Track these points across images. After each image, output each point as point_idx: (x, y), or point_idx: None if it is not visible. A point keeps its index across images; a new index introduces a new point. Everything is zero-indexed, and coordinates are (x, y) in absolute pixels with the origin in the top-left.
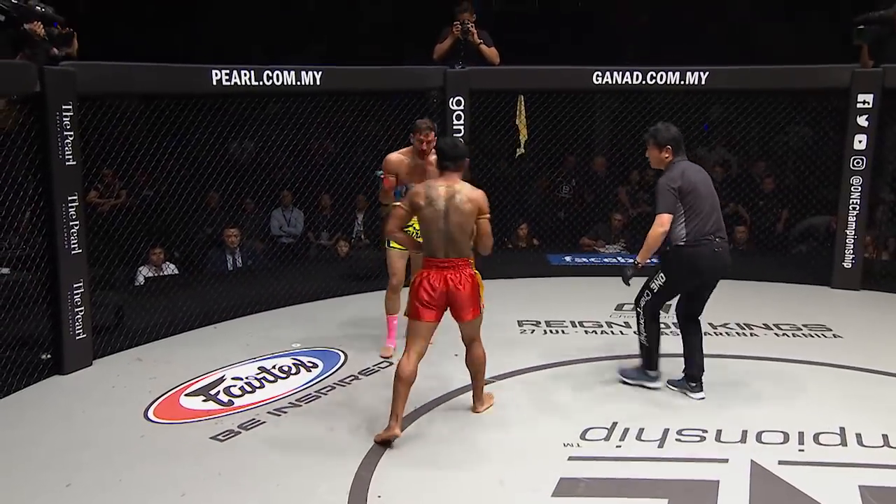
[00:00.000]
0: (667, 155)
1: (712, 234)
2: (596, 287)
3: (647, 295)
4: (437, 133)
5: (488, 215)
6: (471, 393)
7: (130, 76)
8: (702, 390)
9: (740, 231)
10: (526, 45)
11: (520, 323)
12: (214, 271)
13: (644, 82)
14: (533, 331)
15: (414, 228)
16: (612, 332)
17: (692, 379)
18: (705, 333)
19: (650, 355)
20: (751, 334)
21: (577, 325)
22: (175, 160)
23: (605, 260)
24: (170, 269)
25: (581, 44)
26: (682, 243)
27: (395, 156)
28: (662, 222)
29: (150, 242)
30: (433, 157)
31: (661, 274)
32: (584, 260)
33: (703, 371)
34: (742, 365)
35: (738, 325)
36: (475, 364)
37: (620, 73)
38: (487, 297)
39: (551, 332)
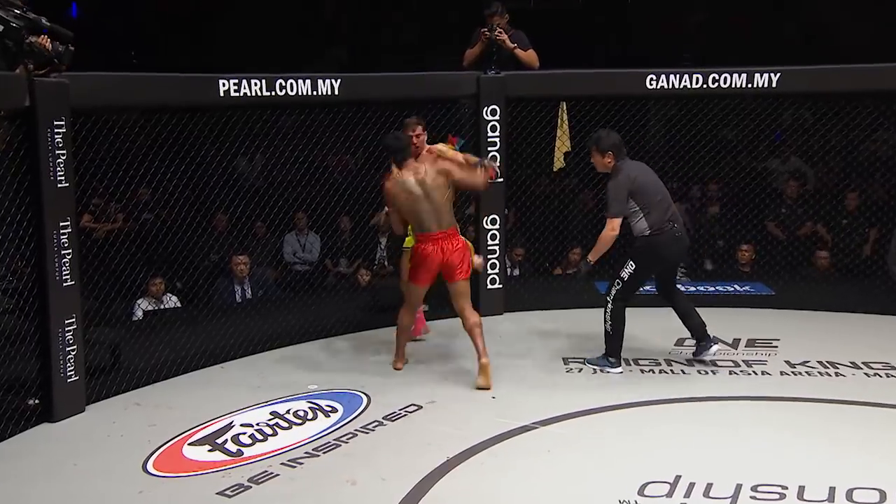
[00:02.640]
0: (609, 160)
1: (669, 221)
2: (653, 319)
3: (618, 284)
4: (425, 129)
5: (456, 163)
6: (502, 442)
7: (129, 87)
8: (715, 343)
9: (822, 257)
10: (568, 46)
11: (565, 360)
12: (221, 304)
13: (705, 86)
14: (580, 370)
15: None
16: (671, 370)
17: (702, 338)
18: (781, 373)
19: (613, 343)
20: (835, 374)
21: (632, 362)
22: (178, 180)
23: None
24: (171, 301)
25: (631, 44)
26: (647, 234)
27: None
28: (614, 226)
29: (149, 272)
30: (426, 152)
31: (631, 262)
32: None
33: (706, 325)
34: (825, 410)
35: (820, 363)
36: (471, 328)
37: (678, 76)
38: (528, 330)
39: (601, 370)
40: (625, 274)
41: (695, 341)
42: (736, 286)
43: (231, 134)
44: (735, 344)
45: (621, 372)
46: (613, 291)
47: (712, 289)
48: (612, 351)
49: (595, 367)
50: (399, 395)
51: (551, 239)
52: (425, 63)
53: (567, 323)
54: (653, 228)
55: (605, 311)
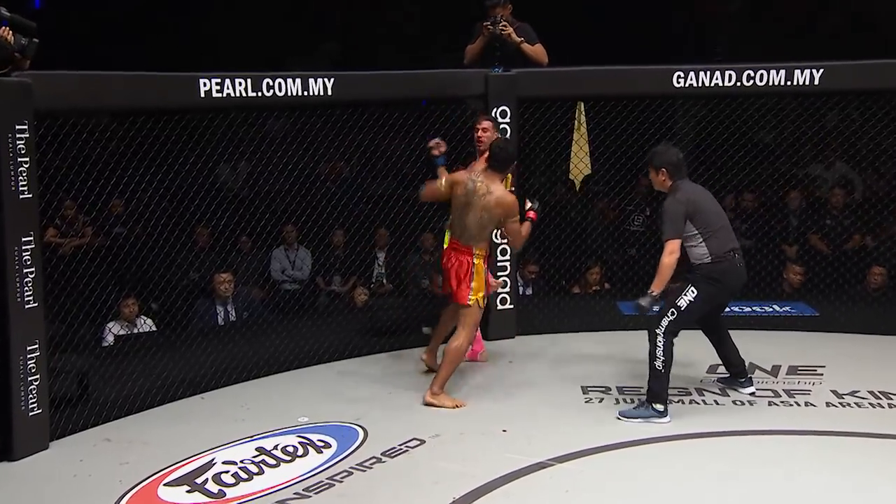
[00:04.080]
0: (664, 178)
1: (731, 251)
2: (682, 343)
3: (672, 314)
4: (494, 126)
5: (516, 219)
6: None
7: (100, 88)
8: (752, 384)
9: (877, 273)
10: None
11: (584, 389)
12: (202, 327)
13: (739, 84)
14: (601, 399)
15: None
16: (703, 401)
17: (740, 375)
18: (827, 404)
19: (661, 384)
20: (889, 405)
21: None
22: (154, 190)
23: None
24: (146, 324)
25: (656, 37)
26: (708, 261)
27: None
28: (673, 249)
29: (121, 292)
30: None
31: (692, 289)
32: None
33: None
34: (879, 446)
35: (871, 393)
36: (448, 352)
37: (709, 73)
38: (542, 355)
39: (625, 400)
40: (683, 302)
41: (729, 374)
42: (775, 306)
43: (213, 139)
44: (775, 371)
45: (669, 422)
46: (666, 323)
47: (748, 309)
48: (658, 396)
49: (635, 419)
50: (399, 429)
51: (568, 254)
52: (429, 59)
53: (586, 347)
54: (714, 256)
55: (656, 346)
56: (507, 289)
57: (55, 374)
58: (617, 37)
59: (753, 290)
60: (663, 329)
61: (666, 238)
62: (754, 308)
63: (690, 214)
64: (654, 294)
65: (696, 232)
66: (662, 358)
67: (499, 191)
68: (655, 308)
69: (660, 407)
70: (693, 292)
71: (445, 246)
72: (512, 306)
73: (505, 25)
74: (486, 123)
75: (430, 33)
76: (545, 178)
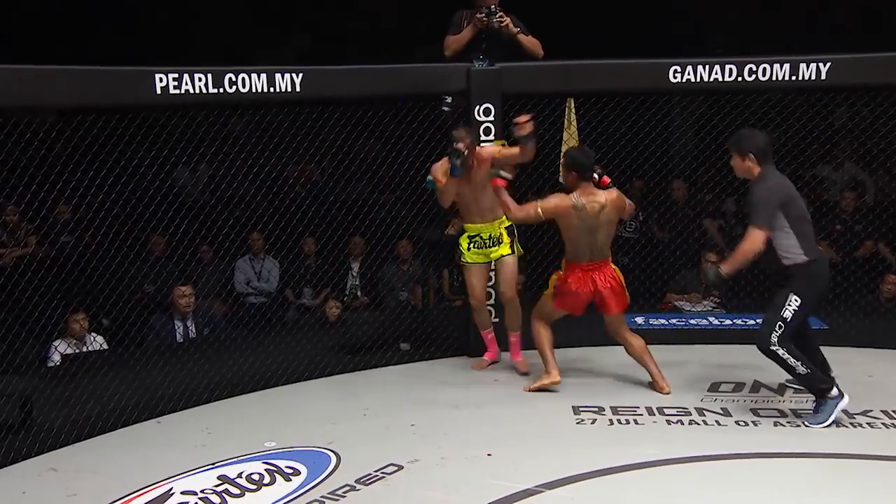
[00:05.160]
0: (751, 164)
1: (818, 249)
2: (680, 359)
3: (780, 328)
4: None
5: (627, 205)
6: None
7: (45, 83)
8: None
9: (890, 282)
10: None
11: (575, 409)
12: (158, 344)
13: (740, 79)
14: (594, 420)
15: (465, 250)
16: (704, 421)
17: (828, 390)
18: (837, 424)
19: (814, 379)
20: None
21: (655, 412)
22: (105, 195)
23: (692, 322)
24: (96, 342)
25: (651, 29)
26: (804, 261)
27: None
28: (759, 239)
29: (69, 306)
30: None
31: (794, 298)
32: (663, 321)
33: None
34: (893, 469)
35: (885, 412)
36: (637, 352)
37: (707, 67)
38: (531, 372)
39: (619, 422)
40: (788, 313)
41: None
42: None
43: (170, 139)
44: (781, 390)
45: (847, 404)
46: (775, 338)
47: (752, 322)
48: (822, 390)
49: (825, 421)
50: (374, 453)
51: (557, 262)
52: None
53: (577, 363)
54: (808, 255)
55: (784, 359)
56: (493, 301)
57: None
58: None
59: (758, 302)
60: (776, 343)
61: (756, 225)
62: (758, 321)
63: (784, 204)
64: (722, 273)
65: (788, 226)
66: (797, 362)
67: (605, 196)
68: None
69: (833, 393)
70: (796, 301)
71: (565, 273)
72: (497, 319)
73: (502, 16)
74: (462, 134)
75: (407, 24)
76: (531, 182)
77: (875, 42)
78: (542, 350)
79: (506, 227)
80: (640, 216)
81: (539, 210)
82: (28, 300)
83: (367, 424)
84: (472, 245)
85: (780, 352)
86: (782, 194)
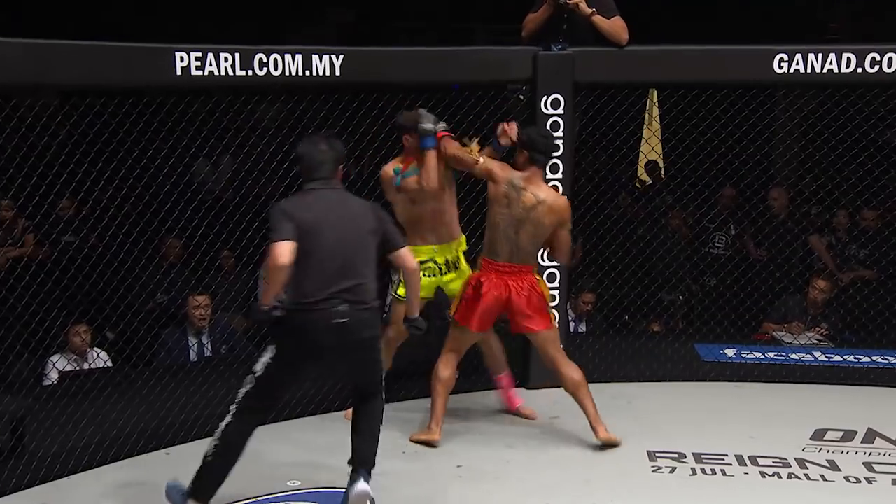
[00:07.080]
0: None
1: None
2: (778, 400)
3: None
4: None
5: (569, 227)
6: None
7: (48, 61)
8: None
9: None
10: (660, 13)
11: (652, 455)
12: (170, 363)
13: (861, 70)
14: (673, 469)
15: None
16: (806, 475)
17: None
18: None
19: None
20: None
21: (747, 461)
22: (115, 189)
23: (794, 357)
24: (100, 359)
25: (750, 12)
26: None
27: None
28: None
29: (70, 317)
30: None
31: None
32: (758, 355)
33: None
34: None
35: None
36: (572, 386)
37: (820, 56)
38: (603, 409)
39: (703, 472)
40: None
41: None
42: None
43: (190, 128)
44: None
45: None
46: None
47: (866, 359)
48: None
49: None
50: (416, 497)
51: (633, 280)
52: (465, 33)
53: (654, 401)
54: None
55: None
56: (556, 324)
57: None
58: (705, 9)
59: (875, 335)
60: None
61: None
62: (874, 358)
63: None
64: None
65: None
66: None
67: (548, 195)
68: None
69: None
70: None
71: (477, 273)
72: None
73: None
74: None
75: (463, 4)
76: (606, 185)
77: None
78: (435, 399)
79: (463, 251)
80: (733, 230)
81: (481, 160)
82: (23, 308)
83: (407, 465)
84: (423, 273)
85: None
86: None
